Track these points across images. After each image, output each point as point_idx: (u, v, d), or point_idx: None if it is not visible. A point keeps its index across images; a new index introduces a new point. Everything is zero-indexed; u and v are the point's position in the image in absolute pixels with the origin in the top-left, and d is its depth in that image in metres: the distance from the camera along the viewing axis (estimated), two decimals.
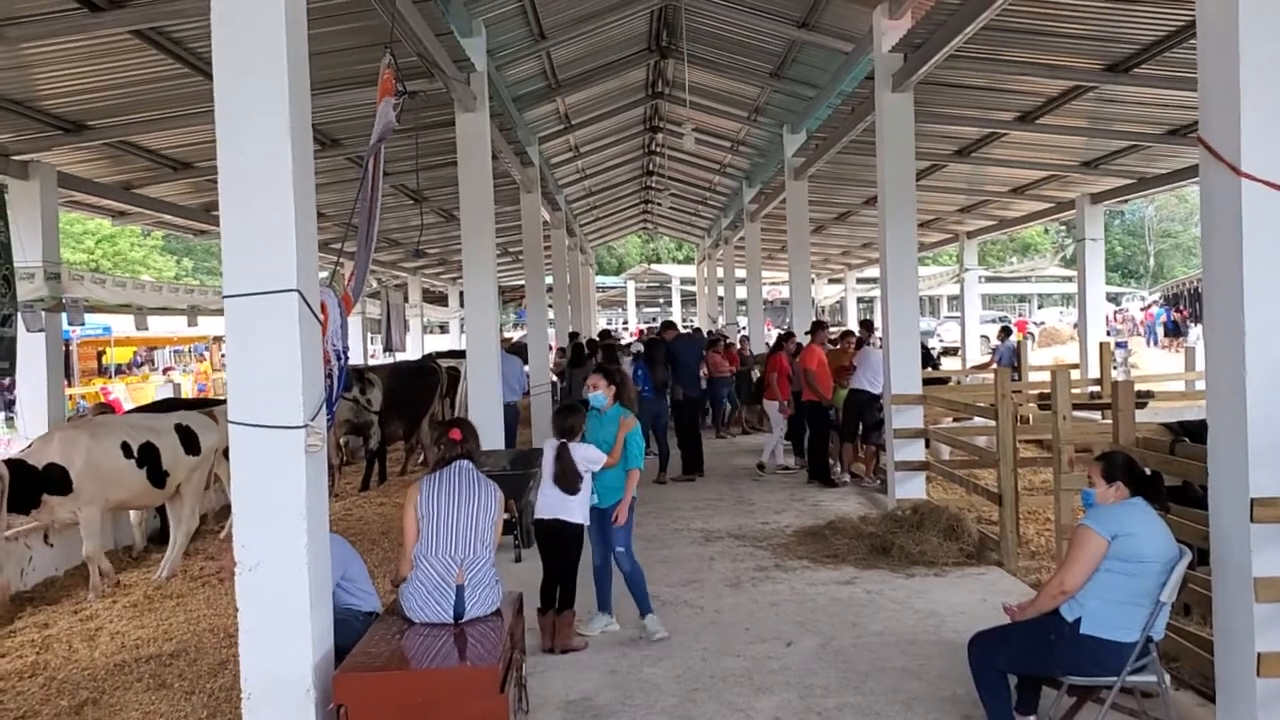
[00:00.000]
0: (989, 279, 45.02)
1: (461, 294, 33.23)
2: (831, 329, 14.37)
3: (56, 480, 7.97)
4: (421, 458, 14.60)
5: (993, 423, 8.71)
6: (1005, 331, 20.38)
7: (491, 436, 10.80)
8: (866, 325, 14.68)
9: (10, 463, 7.85)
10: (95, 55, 8.47)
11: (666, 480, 12.57)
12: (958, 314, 28.94)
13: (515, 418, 13.36)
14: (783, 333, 14.70)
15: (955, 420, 12.29)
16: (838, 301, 38.01)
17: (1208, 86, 4.31)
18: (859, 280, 36.69)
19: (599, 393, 6.78)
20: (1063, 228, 52.48)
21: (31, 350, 9.80)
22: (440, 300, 34.89)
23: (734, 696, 5.50)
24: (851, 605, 7.10)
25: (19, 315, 8.90)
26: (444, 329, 39.40)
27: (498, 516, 5.10)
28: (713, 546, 9.08)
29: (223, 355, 34.75)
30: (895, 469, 10.28)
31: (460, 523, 4.91)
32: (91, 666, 6.45)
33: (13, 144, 9.99)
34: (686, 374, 13.35)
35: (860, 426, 11.92)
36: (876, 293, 41.79)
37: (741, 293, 29.65)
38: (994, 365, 17.46)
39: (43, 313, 9.77)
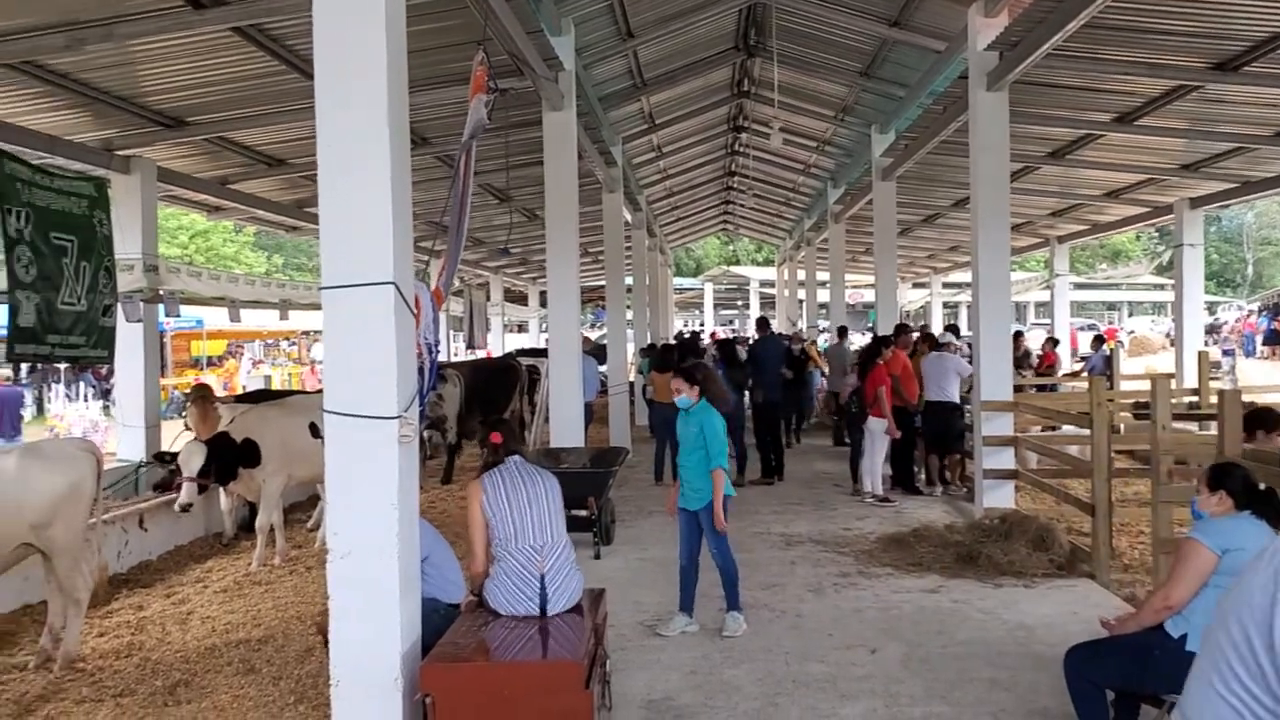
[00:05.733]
0: (1079, 285, 44.00)
1: (542, 293, 33.69)
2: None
3: (250, 454, 8.75)
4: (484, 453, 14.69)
5: (1084, 431, 8.47)
6: (1098, 340, 19.89)
7: (573, 434, 10.86)
8: (927, 336, 14.24)
9: (216, 437, 8.76)
10: (197, 52, 8.69)
11: (745, 483, 12.47)
12: (1046, 321, 28.32)
13: (590, 417, 13.41)
14: (879, 336, 13.93)
15: (1044, 429, 12.03)
16: (922, 306, 37.46)
17: None
18: (945, 285, 36.09)
19: (683, 395, 6.76)
20: (1155, 233, 51.18)
21: (129, 341, 10.10)
22: (520, 299, 35.20)
23: (817, 702, 5.43)
24: (937, 614, 6.97)
25: (119, 306, 9.17)
26: (522, 328, 39.75)
27: (561, 504, 5.16)
28: (793, 551, 8.99)
29: (309, 349, 35.49)
30: (983, 477, 10.06)
31: (532, 512, 4.96)
32: (184, 649, 6.61)
33: (117, 139, 10.31)
34: (767, 376, 13.23)
35: (942, 437, 11.66)
36: (962, 297, 41.24)
37: (823, 296, 29.38)
38: (1085, 374, 17.03)
39: (141, 304, 10.06)
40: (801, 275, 30.86)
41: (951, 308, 44.00)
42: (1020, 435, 10.54)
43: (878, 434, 11.22)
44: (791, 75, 15.56)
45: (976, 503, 10.16)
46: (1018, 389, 11.05)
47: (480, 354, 22.17)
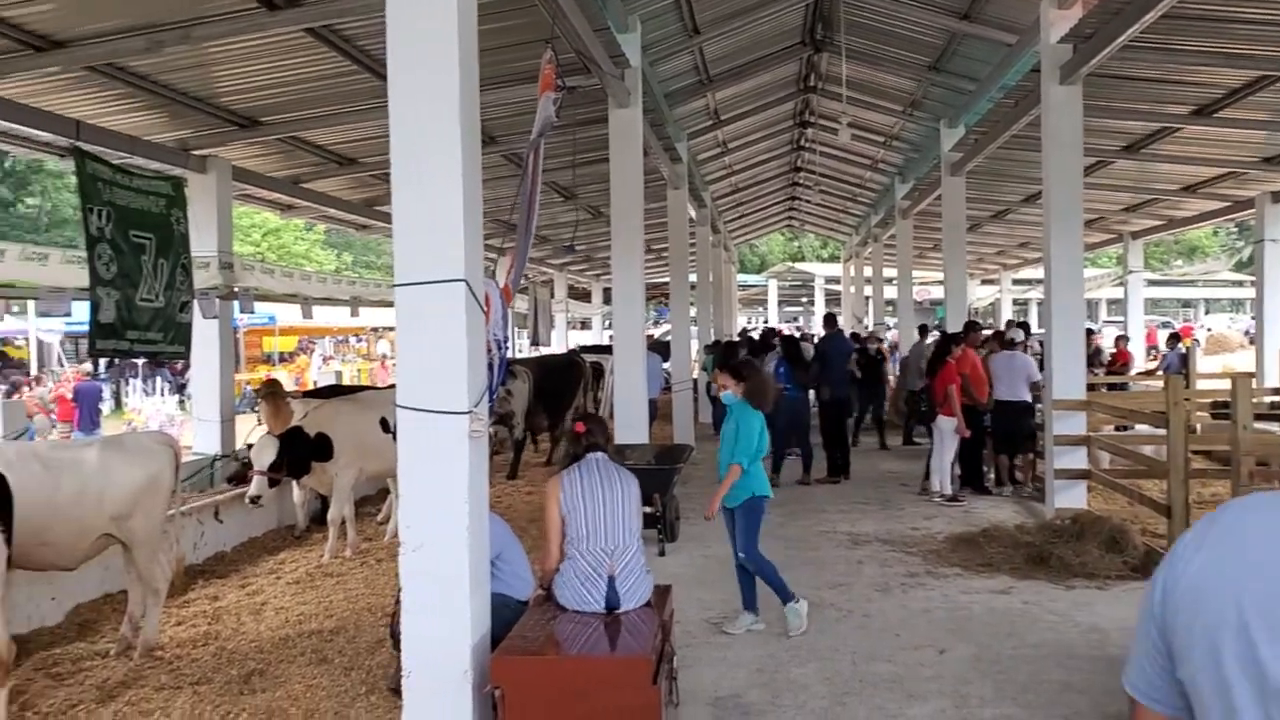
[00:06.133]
0: (1153, 282, 43.00)
1: (605, 290, 33.79)
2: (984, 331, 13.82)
3: (323, 448, 8.90)
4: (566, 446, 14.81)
5: (1160, 431, 8.28)
6: (1173, 338, 19.43)
7: (637, 431, 10.87)
8: (997, 334, 14.00)
9: (289, 431, 8.91)
10: (270, 53, 8.85)
11: (811, 481, 12.40)
12: (1119, 318, 27.73)
13: (654, 413, 13.42)
14: (946, 333, 13.58)
15: (1117, 429, 11.79)
16: (991, 303, 36.90)
17: None
18: (1014, 281, 35.52)
19: (728, 391, 6.73)
20: (1235, 229, 49.81)
21: (205, 336, 10.31)
22: (584, 296, 35.34)
23: (885, 702, 5.39)
24: (1007, 615, 6.87)
25: (195, 302, 9.38)
26: (585, 325, 39.90)
27: (639, 506, 5.13)
28: (860, 550, 8.92)
29: (378, 345, 35.99)
30: (1054, 477, 9.89)
31: (607, 514, 4.96)
32: (258, 638, 6.75)
33: (193, 139, 10.53)
34: (834, 374, 13.13)
35: (1013, 437, 11.48)
36: (1032, 294, 40.53)
37: (890, 292, 29.08)
38: (1160, 372, 16.66)
39: (216, 300, 10.27)
40: (868, 271, 30.58)
41: (1021, 304, 43.28)
42: (1093, 434, 10.34)
43: (947, 433, 11.07)
44: (859, 70, 15.41)
45: (1047, 503, 9.99)
46: (1090, 388, 10.84)
47: (543, 350, 22.28)
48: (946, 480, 11.16)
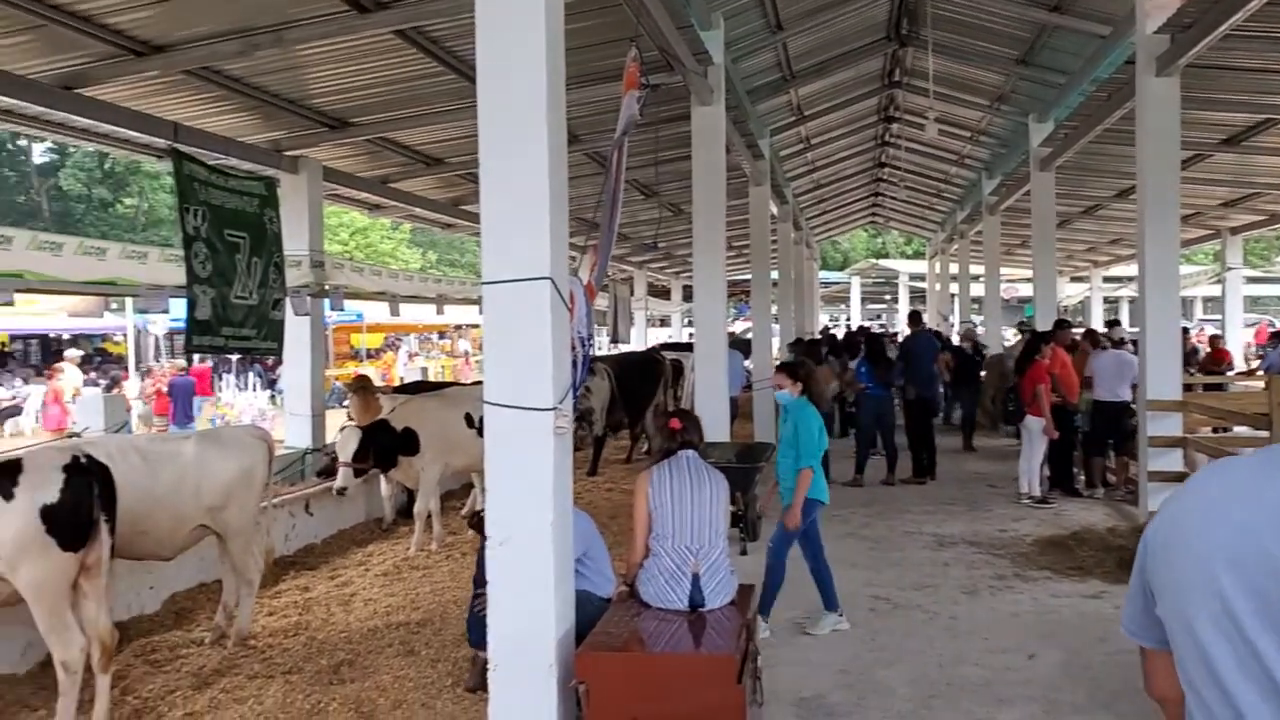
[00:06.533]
0: (1252, 279, 41.53)
1: (684, 288, 33.75)
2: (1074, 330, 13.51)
3: (409, 442, 9.07)
4: (646, 447, 14.84)
5: (1262, 433, 8.01)
6: (1276, 337, 18.79)
7: (718, 429, 10.83)
8: (1089, 332, 13.64)
9: (376, 424, 9.15)
10: (360, 55, 9.01)
11: (895, 482, 12.24)
12: (1216, 316, 26.87)
13: (735, 411, 13.36)
14: (1034, 331, 13.19)
15: (1215, 430, 11.43)
16: (1080, 301, 36.04)
17: None
18: (1105, 279, 34.63)
19: (784, 390, 6.66)
20: None
21: (297, 333, 10.55)
22: (663, 294, 35.35)
23: (973, 706, 5.30)
24: (1099, 620, 6.70)
25: (287, 300, 9.60)
26: (665, 322, 39.91)
27: (727, 506, 5.11)
28: (947, 552, 8.78)
29: (460, 342, 36.47)
30: (1148, 479, 9.61)
31: (694, 513, 4.93)
32: (347, 629, 6.89)
33: (286, 140, 10.79)
34: (920, 372, 12.94)
35: (1111, 439, 11.19)
36: (1124, 292, 39.45)
37: (976, 290, 28.58)
38: (1261, 372, 16.11)
39: (308, 298, 10.51)
40: (954, 269, 30.08)
41: (1112, 303, 42.18)
42: (1190, 436, 10.03)
43: (1035, 433, 10.84)
44: (946, 64, 15.16)
45: (1141, 506, 9.73)
46: (1186, 388, 10.52)
47: (624, 348, 22.35)
48: (1035, 481, 10.93)
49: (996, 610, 7.03)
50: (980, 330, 21.41)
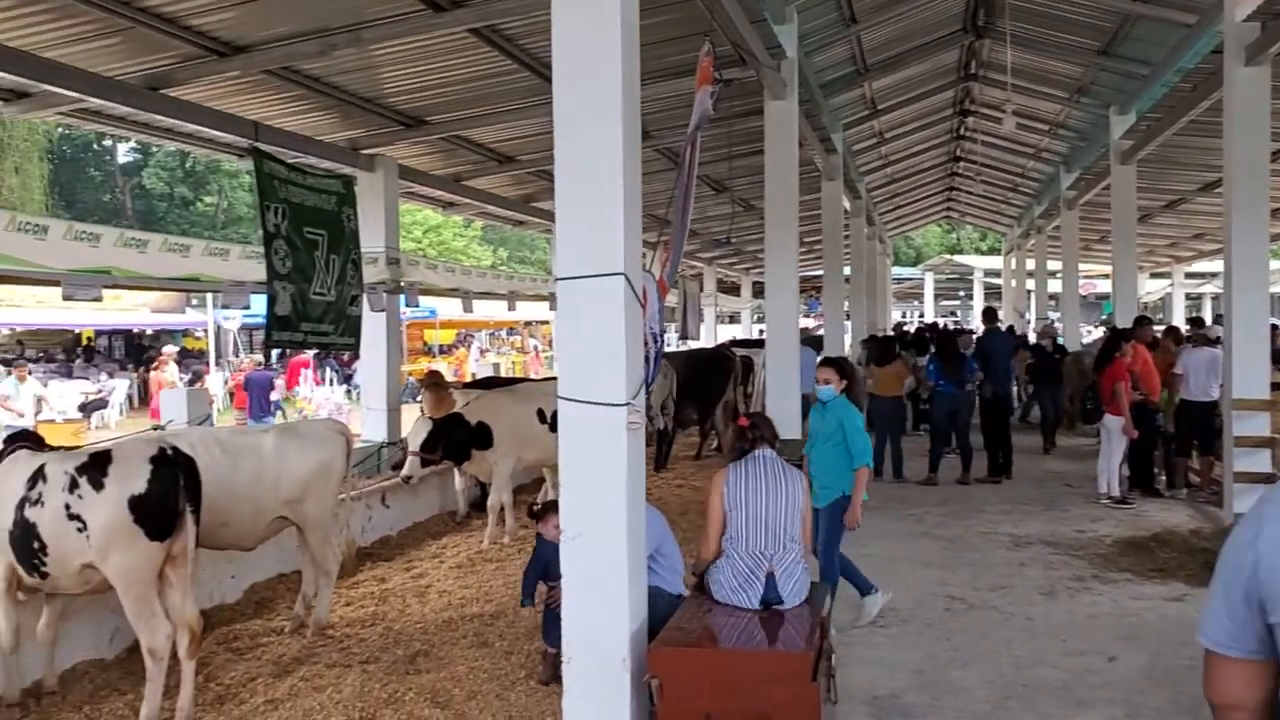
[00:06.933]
0: None
1: (754, 284, 33.60)
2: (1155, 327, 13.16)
3: (482, 436, 9.18)
4: (715, 444, 14.81)
5: None
6: None
7: (789, 426, 10.76)
8: (1171, 329, 13.25)
9: (450, 417, 9.29)
10: (435, 54, 9.11)
11: (970, 481, 12.05)
12: None
13: (806, 409, 13.23)
14: (1114, 328, 12.95)
15: None
16: (1161, 298, 35.17)
17: None
18: (1187, 275, 33.75)
19: (830, 386, 6.56)
20: None
21: (373, 329, 10.72)
22: (733, 290, 35.23)
23: (1050, 708, 5.21)
24: (1182, 624, 6.53)
25: (364, 296, 9.75)
26: (734, 319, 39.79)
27: (805, 506, 5.06)
28: (1023, 552, 8.63)
29: (530, 338, 36.81)
30: (1234, 480, 9.34)
31: (770, 515, 4.87)
32: (422, 620, 6.98)
33: (362, 138, 10.96)
34: (997, 370, 12.72)
35: (1197, 439, 10.90)
36: (1207, 289, 38.44)
37: (1053, 286, 28.04)
38: None
39: (384, 294, 10.66)
40: (1030, 264, 29.53)
41: (1194, 299, 41.11)
42: (1279, 436, 9.73)
43: (1114, 432, 10.59)
44: (1023, 56, 14.88)
45: (1226, 508, 9.46)
46: (1275, 386, 10.21)
47: (692, 344, 22.31)
48: (1114, 481, 10.69)
49: (1074, 612, 6.90)
50: (1057, 327, 21.01)
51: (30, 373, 17.28)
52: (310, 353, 22.96)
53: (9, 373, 16.59)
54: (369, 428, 11.38)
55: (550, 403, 9.19)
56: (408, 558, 8.93)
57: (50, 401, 15.91)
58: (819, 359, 6.96)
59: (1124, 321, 13.69)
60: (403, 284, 11.11)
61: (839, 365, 6.79)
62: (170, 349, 23.32)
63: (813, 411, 6.63)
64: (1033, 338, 18.83)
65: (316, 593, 6.84)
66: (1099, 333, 28.35)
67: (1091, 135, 17.73)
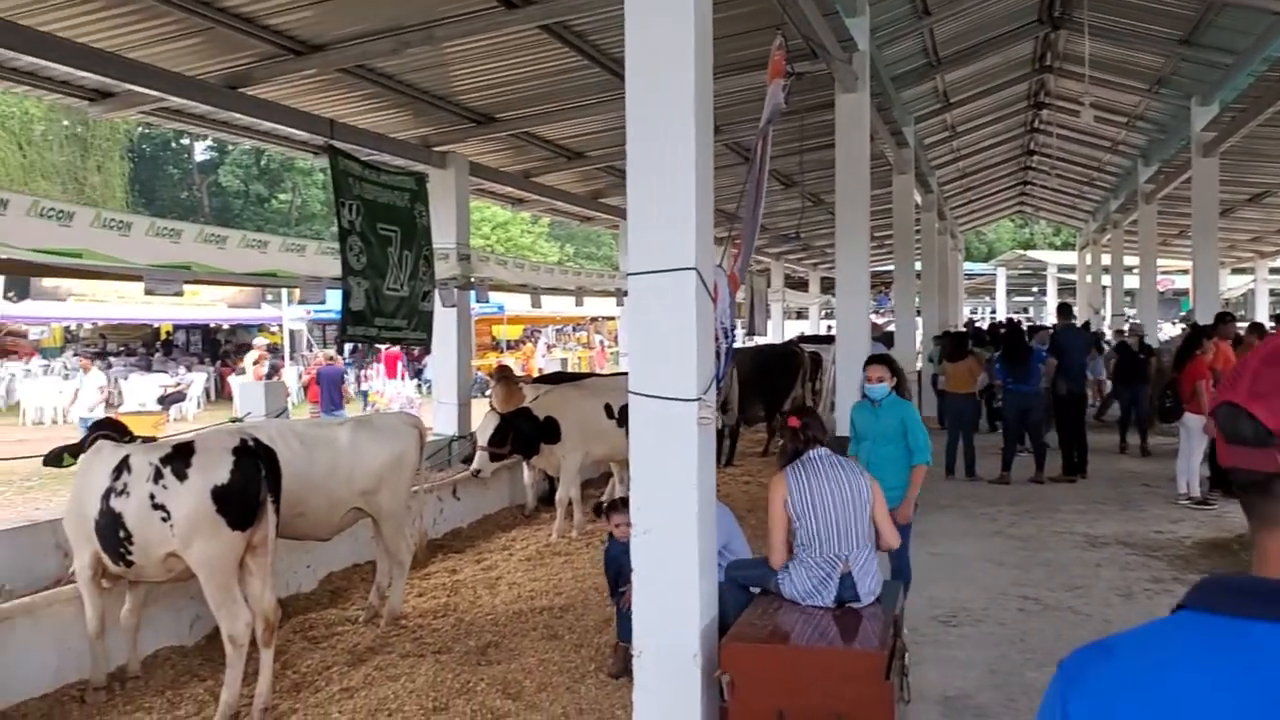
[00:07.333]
0: None
1: (822, 279, 33.34)
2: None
3: (551, 430, 9.30)
4: (782, 440, 14.71)
5: None
6: None
7: None
8: (1255, 325, 12.80)
9: (519, 411, 9.44)
10: (506, 51, 9.17)
11: (1044, 480, 11.84)
12: None
13: None
14: (1195, 325, 12.68)
15: None
16: (1243, 294, 34.21)
17: None
18: (1272, 270, 32.78)
19: (883, 384, 6.39)
20: None
21: (444, 324, 10.83)
22: (800, 285, 34.98)
23: None
24: None
25: (436, 292, 9.86)
26: (801, 314, 39.52)
27: (874, 501, 4.95)
28: (1099, 553, 8.46)
29: (596, 334, 36.95)
30: None
31: (839, 516, 4.72)
32: (493, 612, 7.05)
33: (434, 136, 11.08)
34: (1072, 367, 12.47)
35: None
36: None
37: (1130, 282, 27.43)
38: None
39: (455, 290, 10.77)
40: (1105, 260, 28.90)
41: (1279, 295, 39.92)
42: None
43: (1195, 431, 10.29)
44: (1102, 47, 14.56)
45: None
46: None
47: (759, 341, 22.21)
48: (1194, 481, 10.42)
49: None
50: (1129, 324, 20.54)
51: (93, 364, 17.86)
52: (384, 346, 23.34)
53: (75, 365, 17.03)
54: (439, 422, 11.52)
55: (618, 398, 9.26)
56: (478, 550, 9.02)
57: (94, 394, 16.16)
58: (867, 357, 6.73)
59: (1205, 318, 13.32)
60: (473, 280, 11.22)
61: (889, 362, 6.65)
62: (260, 342, 23.88)
63: (859, 410, 6.45)
64: (1108, 333, 18.45)
65: (390, 583, 6.95)
66: (1176, 330, 27.69)
67: (1171, 127, 17.31)
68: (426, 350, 11.56)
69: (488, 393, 14.70)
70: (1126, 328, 19.55)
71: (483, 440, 9.01)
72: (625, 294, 14.91)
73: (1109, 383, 18.37)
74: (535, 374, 18.96)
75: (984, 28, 14.18)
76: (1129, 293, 28.40)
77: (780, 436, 5.18)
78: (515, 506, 10.76)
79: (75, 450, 5.81)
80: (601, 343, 38.20)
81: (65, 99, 8.54)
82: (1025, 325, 19.18)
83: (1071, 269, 42.57)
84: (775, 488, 4.87)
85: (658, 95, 4.45)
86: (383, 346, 21.47)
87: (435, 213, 10.16)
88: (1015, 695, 5.34)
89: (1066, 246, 52.08)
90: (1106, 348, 19.55)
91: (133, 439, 5.89)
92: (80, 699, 5.59)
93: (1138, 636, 1.14)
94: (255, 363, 20.74)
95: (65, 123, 36.46)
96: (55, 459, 5.97)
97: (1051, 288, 48.81)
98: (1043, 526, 9.46)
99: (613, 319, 33.33)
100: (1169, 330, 29.06)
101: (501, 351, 31.59)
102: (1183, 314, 31.94)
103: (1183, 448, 10.61)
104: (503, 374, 11.82)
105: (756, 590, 4.95)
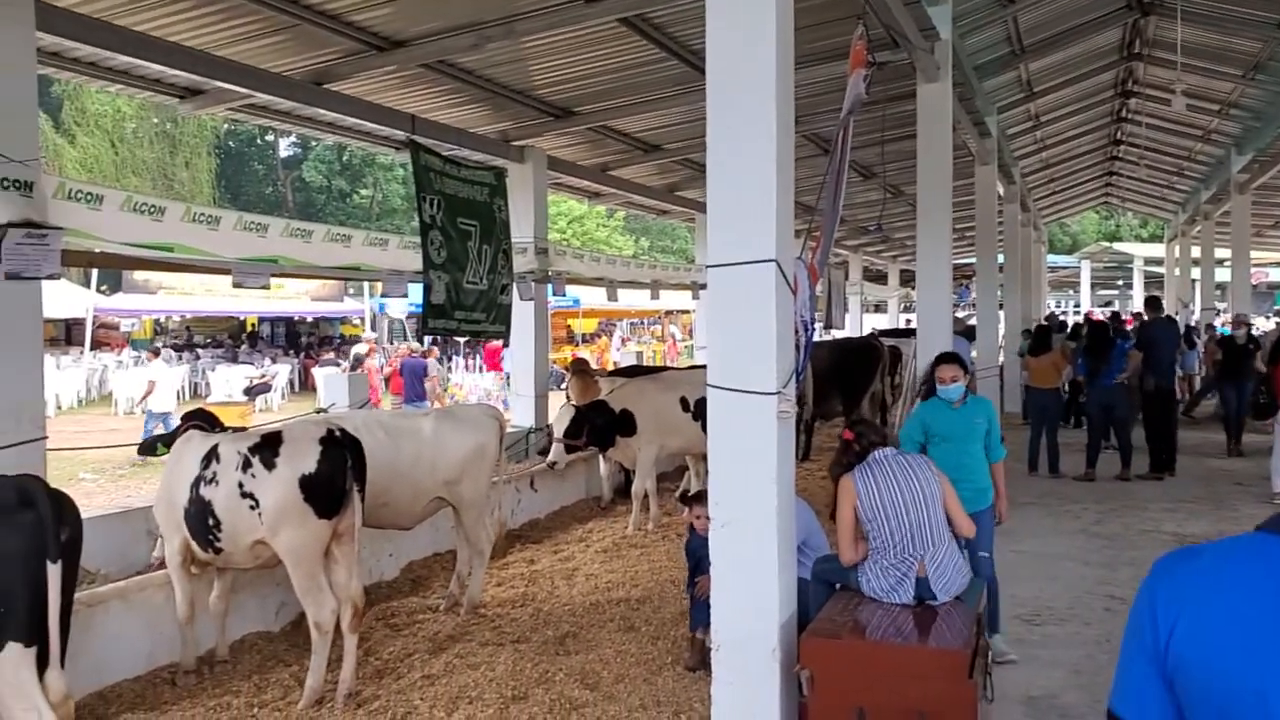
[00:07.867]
0: None
1: (902, 272, 32.90)
2: None
3: (626, 423, 9.34)
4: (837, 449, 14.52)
5: None
6: None
7: None
8: None
9: (594, 404, 9.51)
10: (585, 44, 9.20)
11: (1130, 477, 11.55)
12: None
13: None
14: None
15: None
16: None
17: None
18: None
19: (959, 384, 6.12)
20: None
21: (522, 317, 10.93)
22: (879, 278, 34.54)
23: None
24: None
25: (514, 285, 9.95)
26: (880, 308, 39.05)
27: (945, 492, 4.81)
28: None
29: (671, 325, 36.97)
30: None
31: (912, 516, 4.63)
32: (570, 602, 7.11)
33: (513, 130, 11.17)
34: (1161, 361, 12.13)
35: None
36: None
37: (1221, 275, 26.61)
38: None
39: (532, 283, 10.86)
40: (1195, 252, 28.06)
41: None
42: None
43: None
44: (1194, 32, 14.13)
45: None
46: None
47: (838, 334, 21.99)
48: None
49: None
50: (1221, 319, 19.94)
51: (159, 355, 18.38)
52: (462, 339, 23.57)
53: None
54: (517, 414, 11.63)
55: (693, 391, 9.26)
56: (555, 541, 9.10)
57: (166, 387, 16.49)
58: (937, 355, 6.50)
59: None
60: (551, 273, 11.29)
61: (961, 361, 6.48)
62: (369, 334, 24.32)
63: (933, 411, 6.16)
64: (1199, 328, 17.91)
65: (470, 572, 7.03)
66: (1270, 325, 26.79)
67: (1267, 115, 16.74)
68: (505, 343, 11.67)
69: (564, 385, 14.81)
70: (1218, 321, 18.99)
71: (559, 432, 9.09)
72: (701, 287, 15.00)
73: (1199, 379, 17.85)
74: (610, 367, 18.99)
75: (1069, 15, 13.84)
76: (1219, 286, 27.57)
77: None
78: (591, 498, 10.82)
79: (168, 440, 5.98)
80: (675, 336, 38.19)
81: (157, 96, 8.78)
82: (1102, 319, 18.68)
83: (1159, 262, 41.40)
84: (844, 492, 4.79)
85: (738, 87, 4.43)
86: (481, 340, 21.74)
87: (513, 206, 10.23)
88: (1100, 696, 5.19)
89: (1154, 239, 50.70)
90: (1197, 341, 19.02)
91: (223, 429, 6.04)
92: (171, 681, 5.75)
93: (1221, 544, 1.46)
94: (367, 354, 21.08)
95: (155, 120, 37.55)
96: (149, 448, 6.19)
97: (1138, 281, 47.62)
98: (1129, 525, 9.24)
99: (687, 312, 33.28)
100: (1262, 325, 28.15)
101: (577, 345, 31.78)
102: (1277, 308, 30.88)
103: (1277, 445, 10.26)
104: (579, 367, 11.88)
105: (839, 586, 4.92)
